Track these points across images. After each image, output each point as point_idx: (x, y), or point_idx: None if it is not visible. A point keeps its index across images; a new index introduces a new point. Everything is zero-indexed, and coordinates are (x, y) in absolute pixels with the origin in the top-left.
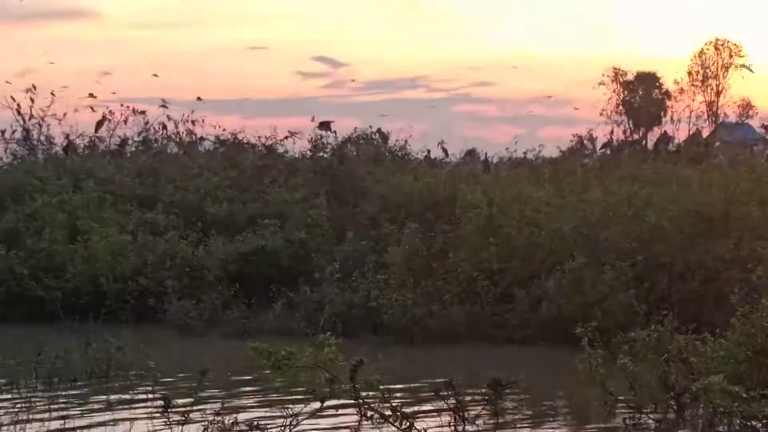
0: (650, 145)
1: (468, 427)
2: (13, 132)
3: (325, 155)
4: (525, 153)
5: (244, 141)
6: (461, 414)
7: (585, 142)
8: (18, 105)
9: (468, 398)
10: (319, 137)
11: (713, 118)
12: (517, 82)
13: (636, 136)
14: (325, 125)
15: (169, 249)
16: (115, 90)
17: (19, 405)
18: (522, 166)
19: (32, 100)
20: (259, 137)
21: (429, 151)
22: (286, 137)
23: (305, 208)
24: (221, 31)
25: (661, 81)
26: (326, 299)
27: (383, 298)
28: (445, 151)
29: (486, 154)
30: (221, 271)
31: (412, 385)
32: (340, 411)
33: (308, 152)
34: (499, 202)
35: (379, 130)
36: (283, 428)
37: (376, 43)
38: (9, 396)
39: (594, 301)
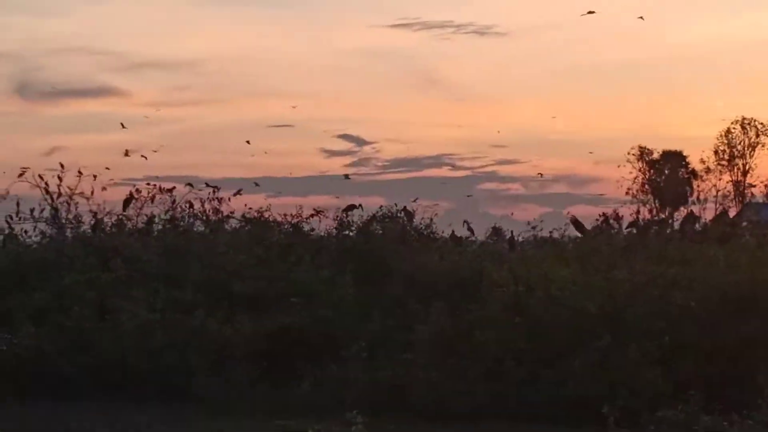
0: (677, 224)
1: None
2: (42, 211)
3: (351, 234)
4: (551, 232)
5: (270, 219)
6: None
7: (611, 221)
8: (46, 184)
9: None
10: (344, 215)
11: (740, 198)
12: (542, 159)
13: (662, 216)
14: (350, 208)
15: (196, 327)
16: (141, 168)
17: None
18: (547, 245)
19: (60, 178)
20: (284, 215)
21: (453, 231)
22: (312, 215)
23: (331, 287)
24: (242, 107)
25: (687, 160)
26: (353, 377)
27: (409, 376)
28: (470, 229)
29: (512, 232)
30: (248, 348)
31: None
32: None
33: (334, 230)
34: (525, 281)
35: (404, 209)
36: None
37: (400, 121)
38: None
39: (620, 381)
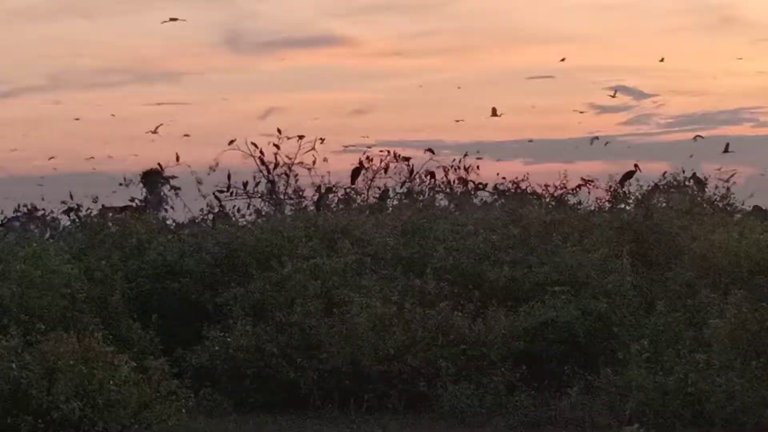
0: None
1: None
2: (256, 184)
3: (628, 207)
4: None
5: (529, 191)
6: None
7: None
8: (261, 152)
9: None
10: (619, 186)
11: None
12: None
13: None
14: (628, 176)
15: (441, 322)
16: (370, 131)
17: None
18: None
19: (277, 146)
20: (546, 186)
21: (756, 204)
22: (579, 186)
23: (604, 273)
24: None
25: None
26: (633, 383)
27: (704, 382)
28: None
29: None
30: (504, 349)
31: None
32: None
33: (606, 204)
34: None
35: (693, 176)
36: None
37: (687, 69)
38: None
39: None
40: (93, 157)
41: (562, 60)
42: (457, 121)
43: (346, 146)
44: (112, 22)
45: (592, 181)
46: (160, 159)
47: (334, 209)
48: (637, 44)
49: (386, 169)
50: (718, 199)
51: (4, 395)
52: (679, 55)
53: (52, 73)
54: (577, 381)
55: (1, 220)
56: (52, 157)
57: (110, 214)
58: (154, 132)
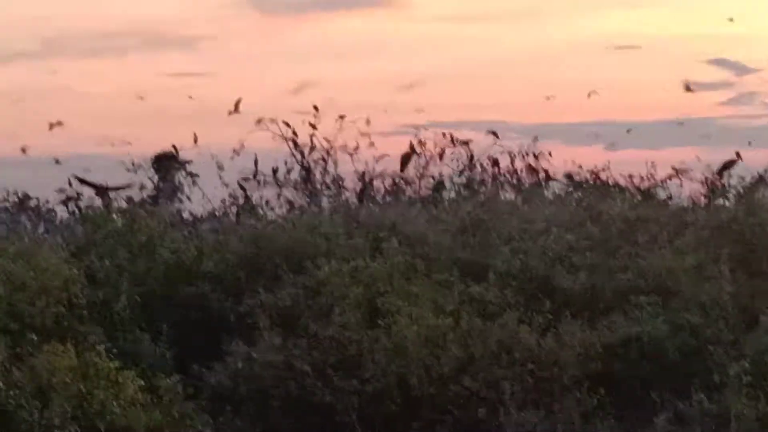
0: None
1: None
2: (288, 171)
3: (727, 203)
4: None
5: (610, 182)
6: None
7: None
8: (294, 133)
9: None
10: (717, 178)
11: None
12: None
13: None
14: (727, 166)
15: (505, 337)
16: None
17: None
18: None
19: (313, 126)
20: (630, 177)
21: None
22: (670, 177)
23: (699, 280)
24: (571, 23)
25: None
26: (731, 412)
27: None
28: None
29: None
30: (579, 369)
31: None
32: None
33: (702, 199)
34: None
35: None
36: None
37: None
38: None
39: None
40: (94, 137)
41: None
42: (548, 97)
43: (394, 128)
44: None
45: (685, 172)
46: (175, 140)
47: (380, 202)
48: (741, 7)
49: (441, 155)
50: None
51: None
52: None
53: (46, 37)
54: (666, 408)
55: None
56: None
57: (109, 195)
58: (235, 111)
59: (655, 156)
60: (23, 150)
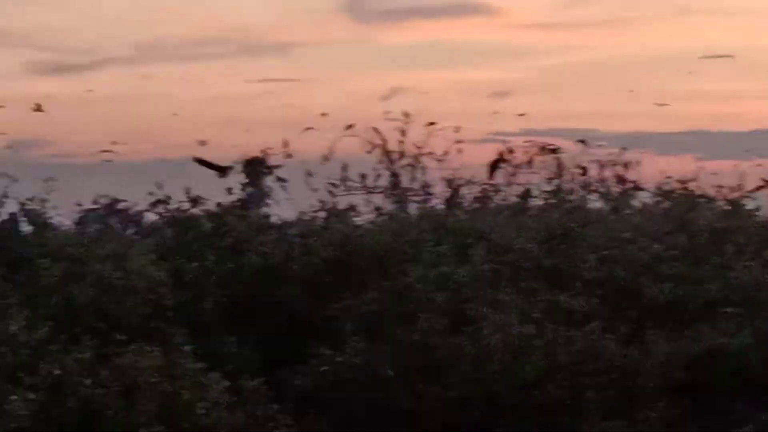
0: None
1: None
2: (377, 177)
3: None
4: None
5: (698, 192)
6: None
7: None
8: (384, 140)
9: None
10: None
11: None
12: None
13: None
14: None
15: (589, 346)
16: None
17: None
18: None
19: (402, 132)
20: (719, 187)
21: None
22: (760, 187)
23: None
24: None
25: None
26: None
27: None
28: None
29: None
30: (663, 379)
31: None
32: None
33: None
34: None
35: None
36: None
37: None
38: None
39: None
40: (185, 142)
41: None
42: (659, 104)
43: (483, 136)
44: None
45: None
46: (265, 145)
47: (468, 209)
48: None
49: (530, 163)
50: None
51: (74, 416)
52: None
53: (140, 43)
54: (749, 420)
55: (79, 215)
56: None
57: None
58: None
59: (746, 166)
60: (114, 154)
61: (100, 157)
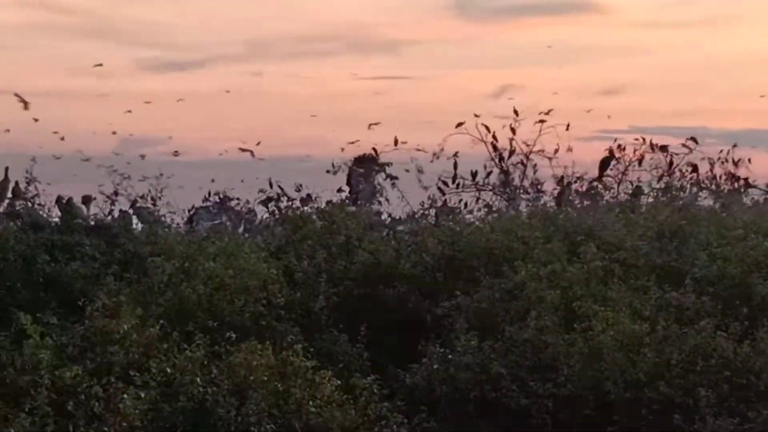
0: None
1: None
2: (487, 175)
3: None
4: None
5: None
6: None
7: None
8: (494, 137)
9: None
10: None
11: None
12: None
13: None
14: None
15: (701, 344)
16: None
17: None
18: None
19: (513, 130)
20: None
21: None
22: None
23: None
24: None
25: None
26: None
27: None
28: None
29: None
30: None
31: None
32: None
33: None
34: None
35: None
36: None
37: None
38: None
39: None
40: (294, 139)
41: None
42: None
43: (594, 133)
44: None
45: None
46: (375, 142)
47: (578, 206)
48: None
49: (641, 161)
50: None
51: (186, 414)
52: None
53: (250, 40)
54: None
55: (190, 213)
56: (248, 135)
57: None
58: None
59: None
60: (225, 151)
61: (215, 154)
